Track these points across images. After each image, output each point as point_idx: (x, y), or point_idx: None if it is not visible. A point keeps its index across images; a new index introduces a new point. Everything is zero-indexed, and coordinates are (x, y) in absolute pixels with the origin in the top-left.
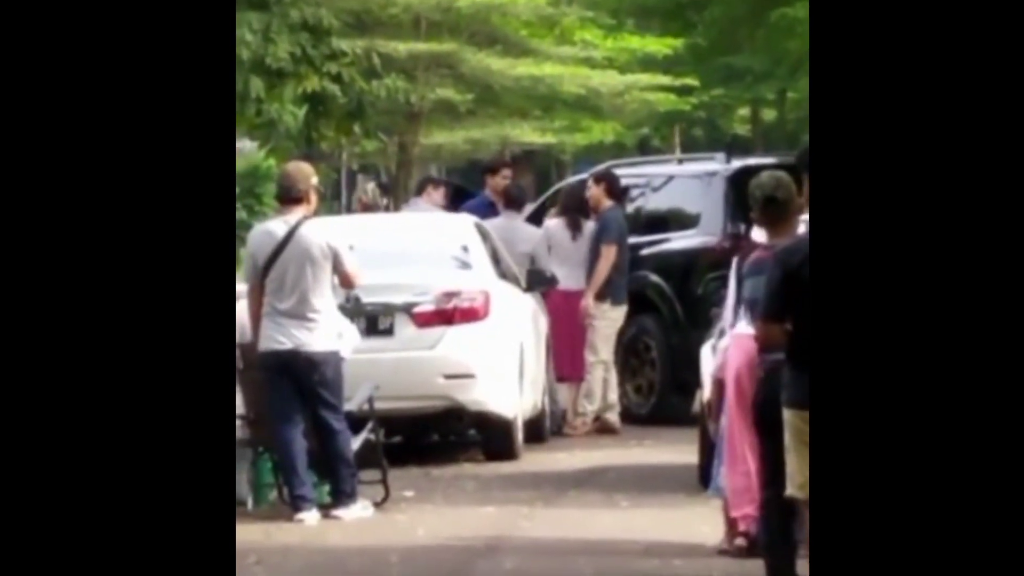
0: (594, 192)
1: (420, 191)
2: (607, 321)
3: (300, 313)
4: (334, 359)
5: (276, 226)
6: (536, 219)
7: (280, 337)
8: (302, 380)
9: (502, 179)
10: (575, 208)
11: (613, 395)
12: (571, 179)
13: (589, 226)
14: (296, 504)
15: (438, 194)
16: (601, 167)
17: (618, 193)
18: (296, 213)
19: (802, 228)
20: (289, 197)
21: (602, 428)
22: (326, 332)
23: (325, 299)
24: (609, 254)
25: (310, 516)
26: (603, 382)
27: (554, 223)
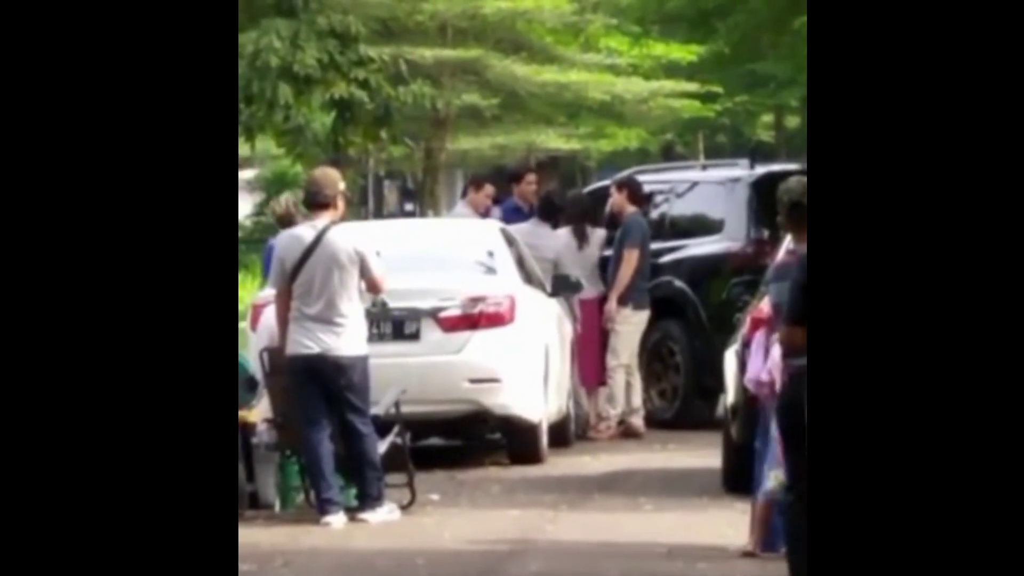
0: (617, 199)
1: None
2: (630, 326)
3: (327, 318)
4: (361, 363)
5: (304, 231)
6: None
7: (308, 341)
8: (329, 384)
9: (527, 185)
10: (580, 217)
11: (637, 399)
12: (596, 185)
13: (598, 234)
14: (323, 507)
15: (480, 195)
16: (623, 174)
17: (641, 199)
18: (323, 218)
19: None
20: (316, 203)
21: (626, 432)
22: (353, 336)
23: (352, 304)
24: (631, 258)
25: (337, 519)
26: (626, 386)
27: (562, 232)
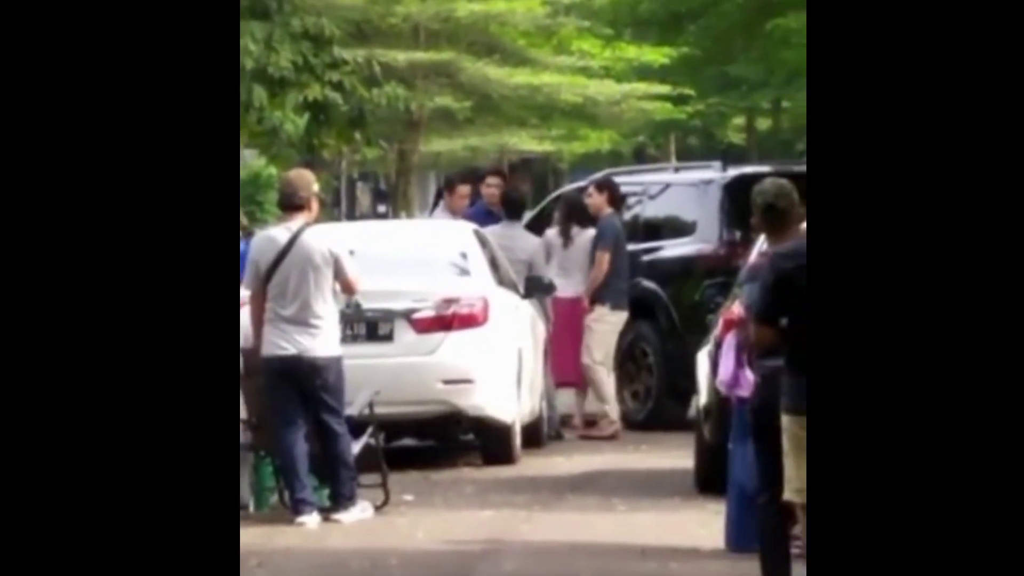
0: (595, 200)
1: (437, 201)
2: (606, 325)
3: (302, 319)
4: (336, 364)
5: (278, 233)
6: (534, 227)
7: (283, 343)
8: (304, 385)
9: (486, 187)
10: (568, 216)
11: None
12: (570, 187)
13: (586, 233)
14: (297, 507)
15: (456, 197)
16: (601, 175)
17: (618, 201)
18: (298, 220)
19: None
20: (291, 204)
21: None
22: (328, 337)
23: (327, 305)
24: (603, 260)
25: (311, 519)
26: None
27: (551, 232)
